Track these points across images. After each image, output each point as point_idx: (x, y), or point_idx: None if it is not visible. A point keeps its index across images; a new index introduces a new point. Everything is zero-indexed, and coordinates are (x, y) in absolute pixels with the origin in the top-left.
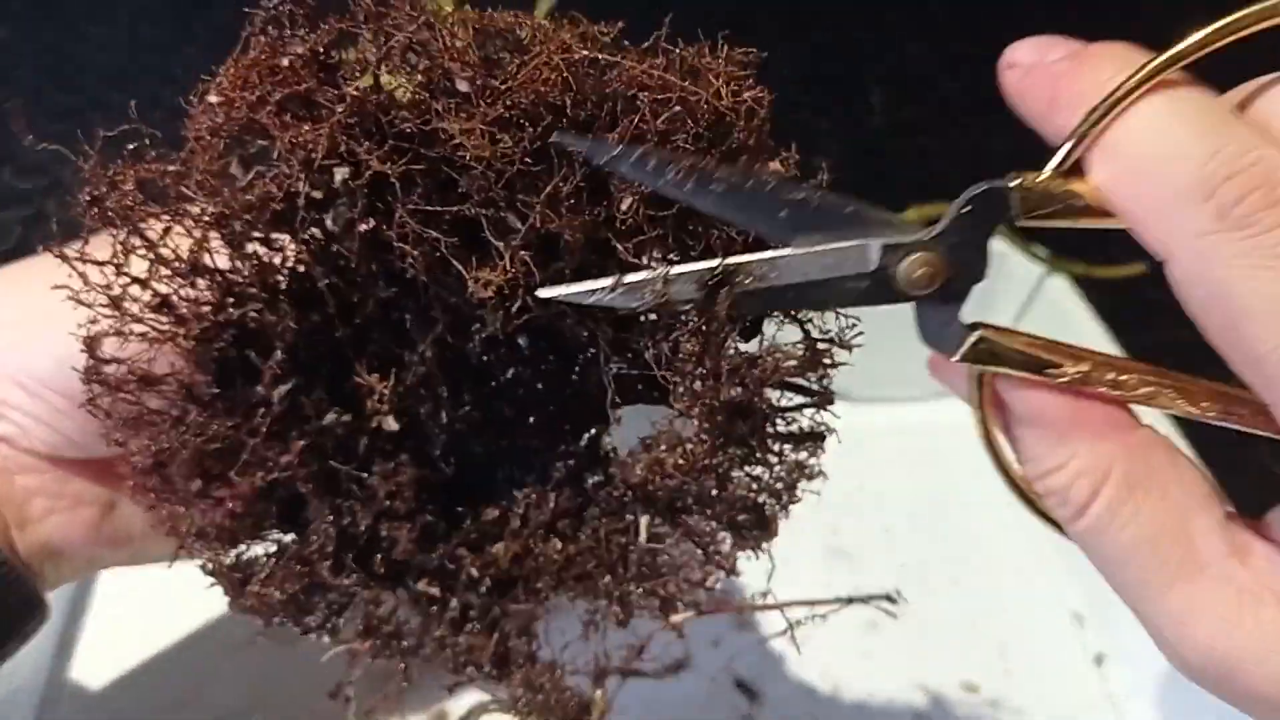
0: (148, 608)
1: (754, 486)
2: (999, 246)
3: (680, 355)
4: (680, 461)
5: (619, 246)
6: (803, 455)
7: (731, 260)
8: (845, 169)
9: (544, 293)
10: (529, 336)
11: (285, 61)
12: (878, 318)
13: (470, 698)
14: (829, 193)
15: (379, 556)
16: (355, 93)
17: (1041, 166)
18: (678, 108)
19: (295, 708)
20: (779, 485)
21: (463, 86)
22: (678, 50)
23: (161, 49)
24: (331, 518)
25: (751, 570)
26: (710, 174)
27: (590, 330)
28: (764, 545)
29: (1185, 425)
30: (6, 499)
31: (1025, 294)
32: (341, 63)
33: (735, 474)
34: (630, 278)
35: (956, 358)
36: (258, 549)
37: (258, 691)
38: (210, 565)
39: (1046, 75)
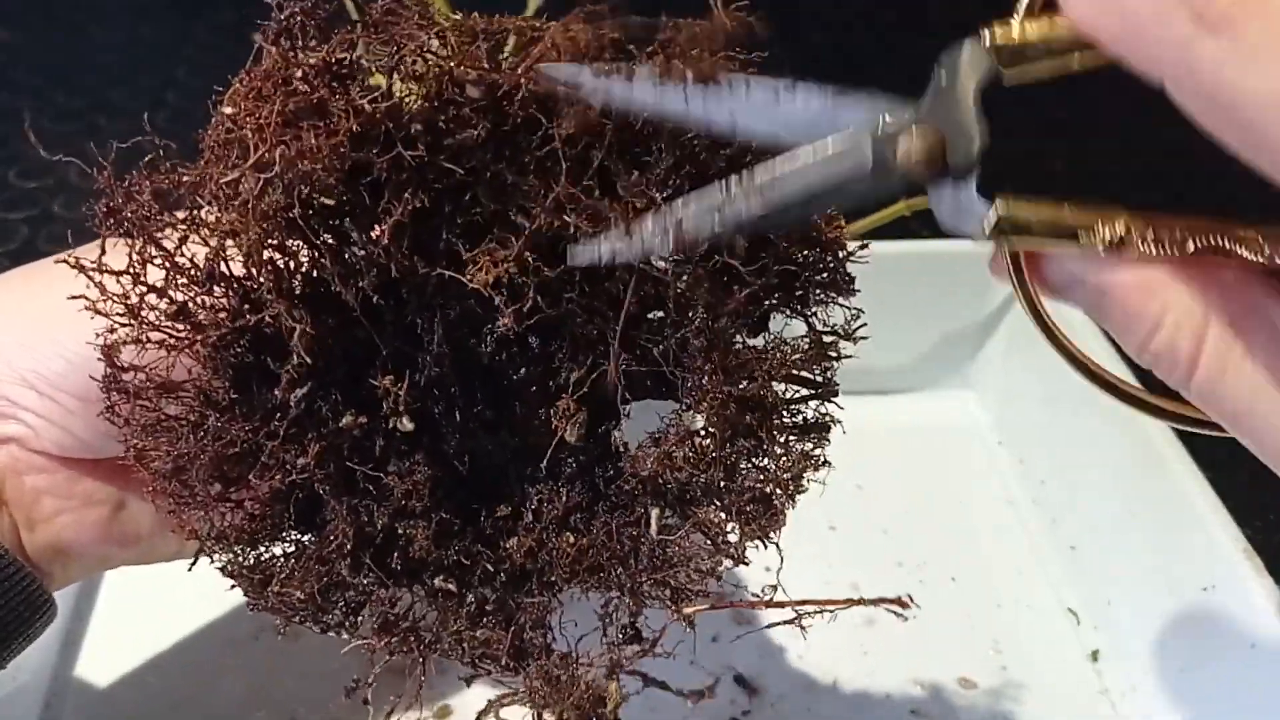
0: (152, 606)
1: (761, 477)
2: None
3: (688, 351)
4: (690, 454)
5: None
6: (808, 446)
7: (743, 183)
8: None
9: (571, 262)
10: (539, 336)
11: (298, 72)
12: (877, 314)
13: (479, 691)
14: (810, 85)
15: (396, 554)
16: (367, 104)
17: (1047, 165)
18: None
19: (299, 705)
20: (786, 476)
21: (473, 92)
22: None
23: (163, 50)
24: (349, 517)
25: (752, 568)
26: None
27: (599, 328)
28: (771, 535)
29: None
30: (16, 499)
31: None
32: (353, 72)
33: (743, 465)
34: (641, 222)
35: (984, 237)
36: (276, 549)
37: (262, 689)
38: (230, 567)
39: None
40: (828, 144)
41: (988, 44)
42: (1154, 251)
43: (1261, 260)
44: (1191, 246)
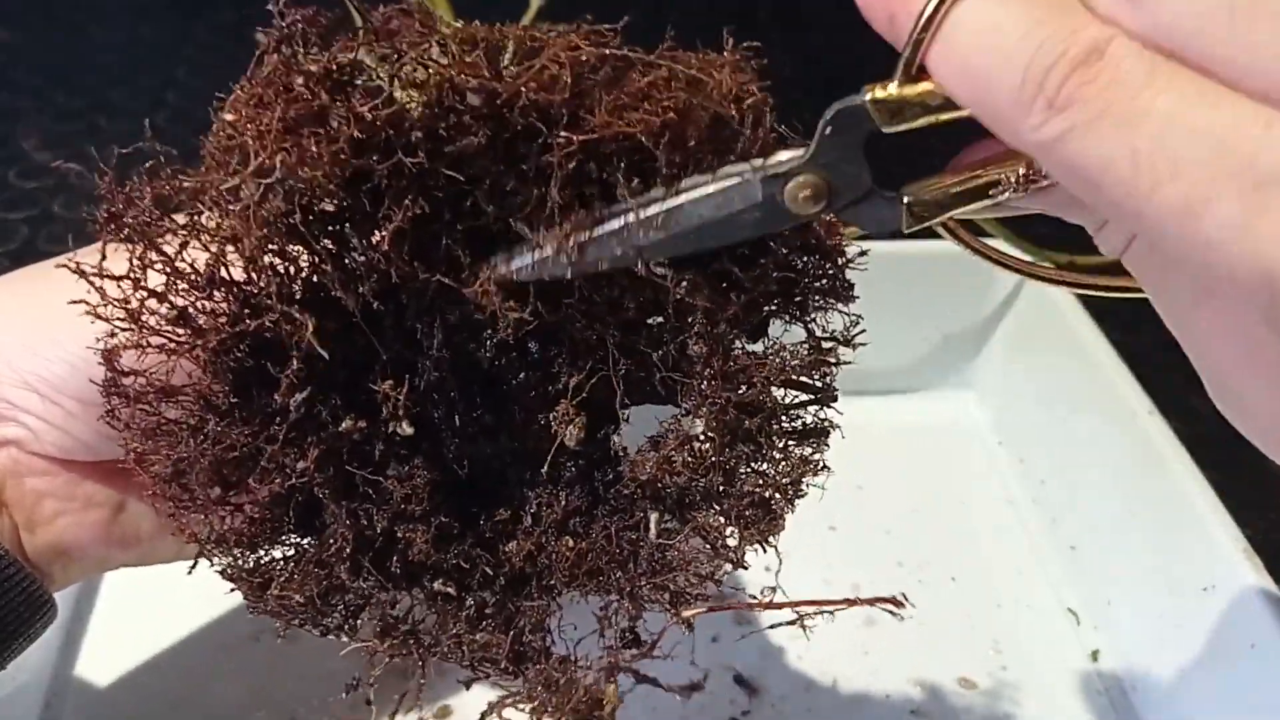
0: (152, 606)
1: (761, 482)
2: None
3: (687, 357)
4: (689, 459)
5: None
6: (808, 451)
7: (643, 215)
8: None
9: (486, 279)
10: (539, 341)
11: (299, 79)
12: (877, 314)
13: (478, 691)
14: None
15: (395, 558)
16: (368, 111)
17: None
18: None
19: (298, 706)
20: (785, 480)
21: (474, 100)
22: (683, 54)
23: (163, 50)
24: (348, 521)
25: (752, 568)
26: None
27: (599, 333)
28: (770, 539)
29: (1182, 428)
30: (17, 501)
31: (1011, 285)
32: (355, 80)
33: (742, 470)
34: (552, 248)
35: (906, 230)
36: (276, 553)
37: (261, 689)
38: (230, 570)
39: None
40: (719, 183)
41: (867, 101)
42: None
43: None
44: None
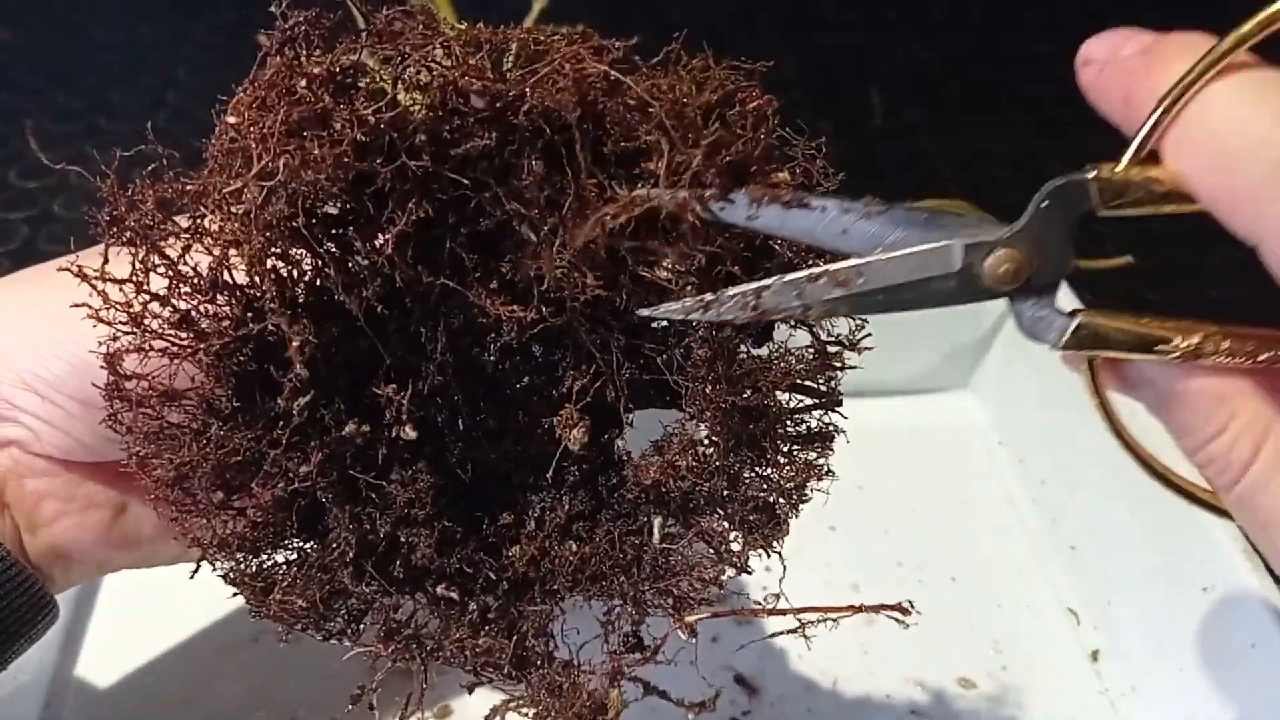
0: (152, 606)
1: (765, 486)
2: None
3: (692, 360)
4: (693, 463)
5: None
6: (812, 455)
7: (829, 267)
8: (845, 169)
9: (642, 311)
10: (543, 345)
11: (302, 82)
12: (878, 315)
13: (479, 693)
14: (907, 206)
15: (398, 562)
16: (371, 114)
17: (1044, 167)
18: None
19: (298, 706)
20: (789, 485)
21: (478, 103)
22: (685, 61)
23: (163, 50)
24: (351, 525)
25: (753, 567)
26: (800, 207)
27: (603, 337)
28: (774, 544)
29: None
30: (17, 502)
31: None
32: (358, 82)
33: (746, 475)
34: (729, 292)
35: (1059, 348)
36: (278, 557)
37: (261, 690)
38: (232, 574)
39: (1121, 71)
40: (918, 247)
41: (1091, 178)
42: (1227, 362)
43: None
44: (1265, 356)
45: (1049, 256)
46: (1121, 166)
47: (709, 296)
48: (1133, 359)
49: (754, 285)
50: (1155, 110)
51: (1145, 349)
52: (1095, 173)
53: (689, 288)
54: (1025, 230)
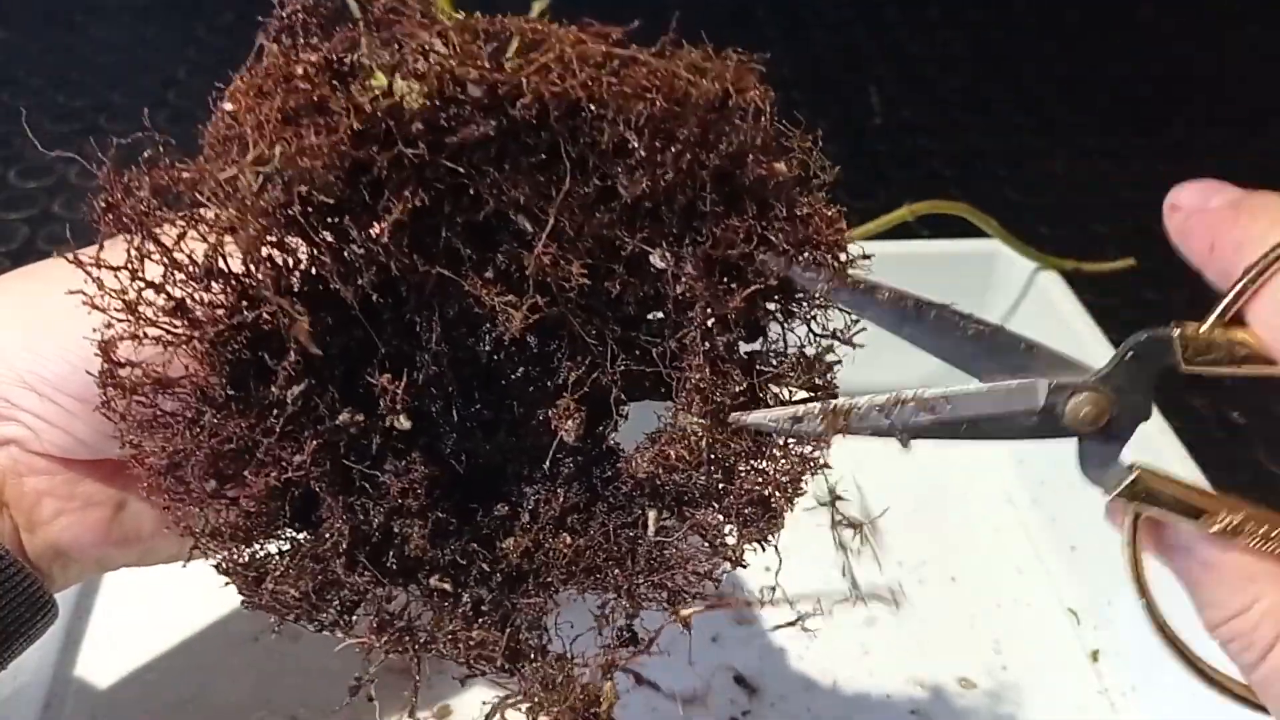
0: (152, 606)
1: (760, 480)
2: (990, 246)
3: (687, 353)
4: (683, 453)
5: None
6: (807, 449)
7: (920, 393)
8: (845, 169)
9: (742, 418)
10: (538, 335)
11: (299, 70)
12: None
13: (479, 692)
14: (1009, 333)
15: (392, 553)
16: (368, 102)
17: (1044, 167)
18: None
19: (299, 705)
20: (784, 479)
21: (475, 91)
22: (684, 51)
23: (163, 50)
24: (345, 515)
25: (754, 568)
26: (915, 310)
27: (598, 329)
28: (769, 538)
29: (1182, 428)
30: (16, 501)
31: (1017, 290)
32: (355, 70)
33: (741, 468)
34: (806, 407)
35: (1112, 495)
36: (271, 547)
37: (260, 689)
38: (224, 564)
39: (1206, 222)
40: (1009, 383)
41: (1176, 336)
42: (1263, 546)
43: None
44: None
45: (1127, 405)
46: (1206, 326)
47: (800, 409)
48: (1175, 521)
49: (848, 402)
50: (1243, 278)
51: (1190, 515)
52: (1180, 331)
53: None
54: (1109, 377)
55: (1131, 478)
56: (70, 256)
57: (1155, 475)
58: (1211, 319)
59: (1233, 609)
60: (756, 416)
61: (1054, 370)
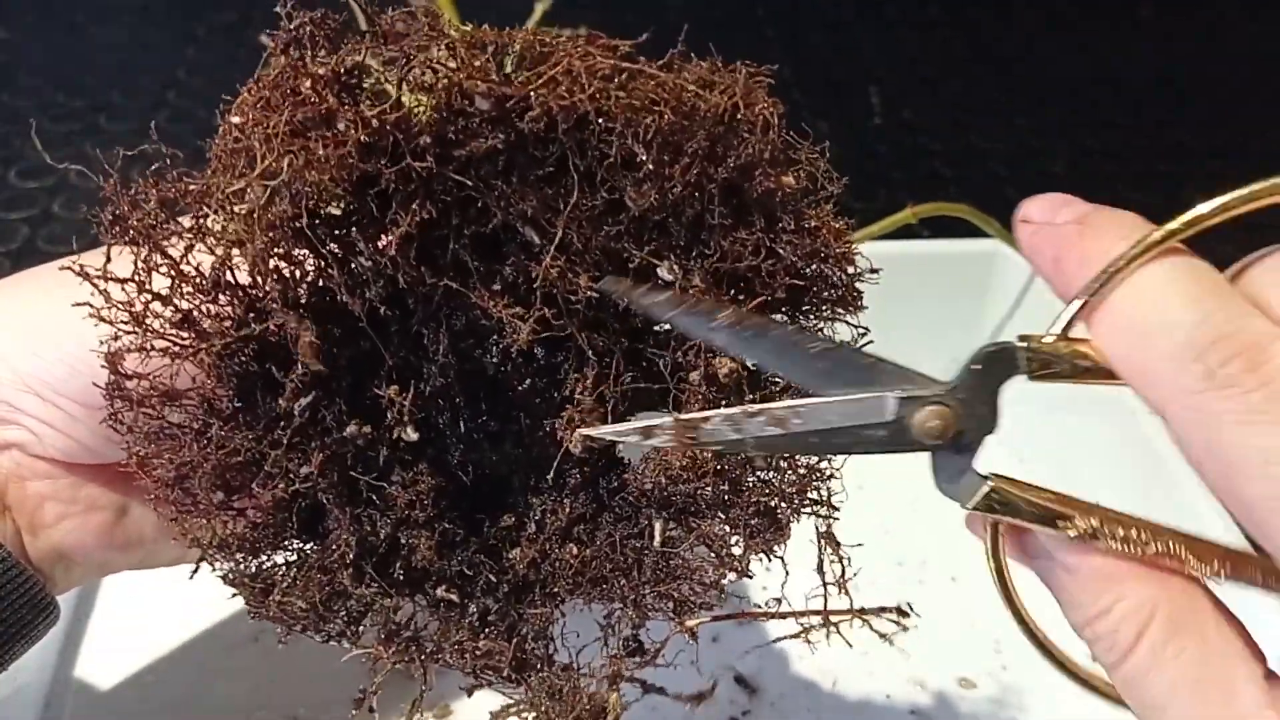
0: (152, 607)
1: (766, 491)
2: (991, 246)
3: (692, 365)
4: (688, 464)
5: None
6: (814, 459)
7: (767, 406)
8: (845, 170)
9: (584, 430)
10: (545, 347)
11: (307, 83)
12: (878, 313)
13: (480, 696)
14: (854, 349)
15: (399, 564)
16: (376, 115)
17: (1044, 167)
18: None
19: (300, 706)
20: (791, 490)
21: (483, 105)
22: (693, 64)
23: (164, 50)
24: (352, 527)
25: (755, 568)
26: (754, 327)
27: (605, 340)
28: (776, 548)
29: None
30: (19, 504)
31: (1017, 290)
32: (362, 83)
33: (748, 479)
34: (656, 420)
35: (969, 506)
36: (278, 558)
37: (260, 690)
38: (232, 575)
39: (1053, 236)
40: (859, 396)
41: (1023, 347)
42: (1120, 548)
43: (1210, 575)
44: (1154, 549)
45: (975, 416)
46: (1050, 338)
47: (649, 422)
48: (1033, 529)
49: (696, 416)
50: (1087, 288)
51: (1047, 523)
52: (1028, 342)
53: (693, 288)
54: (956, 390)
55: (987, 489)
56: (78, 268)
57: (1012, 485)
58: (1055, 331)
59: (1095, 610)
60: (605, 430)
61: (903, 384)
